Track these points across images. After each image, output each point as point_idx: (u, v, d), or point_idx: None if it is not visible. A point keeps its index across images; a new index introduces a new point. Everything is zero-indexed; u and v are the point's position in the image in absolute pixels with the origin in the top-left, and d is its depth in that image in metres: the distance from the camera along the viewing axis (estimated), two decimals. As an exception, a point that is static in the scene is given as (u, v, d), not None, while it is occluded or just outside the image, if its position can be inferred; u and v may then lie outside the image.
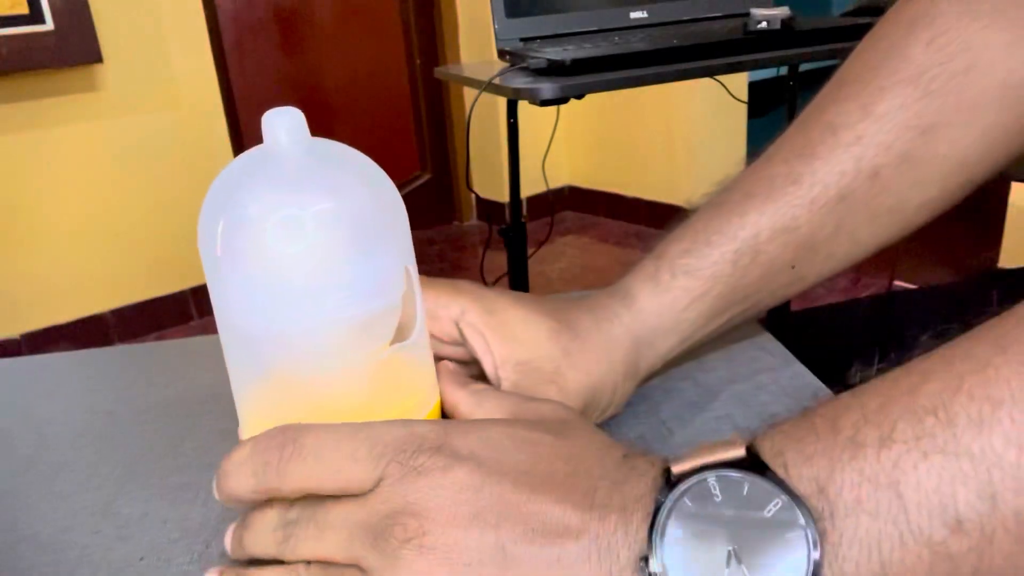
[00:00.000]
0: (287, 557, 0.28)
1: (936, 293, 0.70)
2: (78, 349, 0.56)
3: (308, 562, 0.27)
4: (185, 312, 2.53)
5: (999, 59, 0.39)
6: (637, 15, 1.41)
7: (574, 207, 3.29)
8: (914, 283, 2.03)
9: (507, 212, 1.43)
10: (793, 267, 0.40)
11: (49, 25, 2.10)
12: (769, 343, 0.46)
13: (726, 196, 0.40)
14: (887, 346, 0.64)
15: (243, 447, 0.28)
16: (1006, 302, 0.26)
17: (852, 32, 1.29)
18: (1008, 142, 0.41)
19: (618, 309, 0.39)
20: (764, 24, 1.25)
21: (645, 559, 0.23)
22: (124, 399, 0.48)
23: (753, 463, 0.24)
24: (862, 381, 0.26)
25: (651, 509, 0.24)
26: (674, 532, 0.23)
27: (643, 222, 3.03)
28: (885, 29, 0.43)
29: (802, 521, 0.22)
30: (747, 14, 1.31)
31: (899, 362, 0.25)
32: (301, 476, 0.27)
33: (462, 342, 0.37)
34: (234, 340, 0.30)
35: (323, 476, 0.27)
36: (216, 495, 0.29)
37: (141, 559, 0.34)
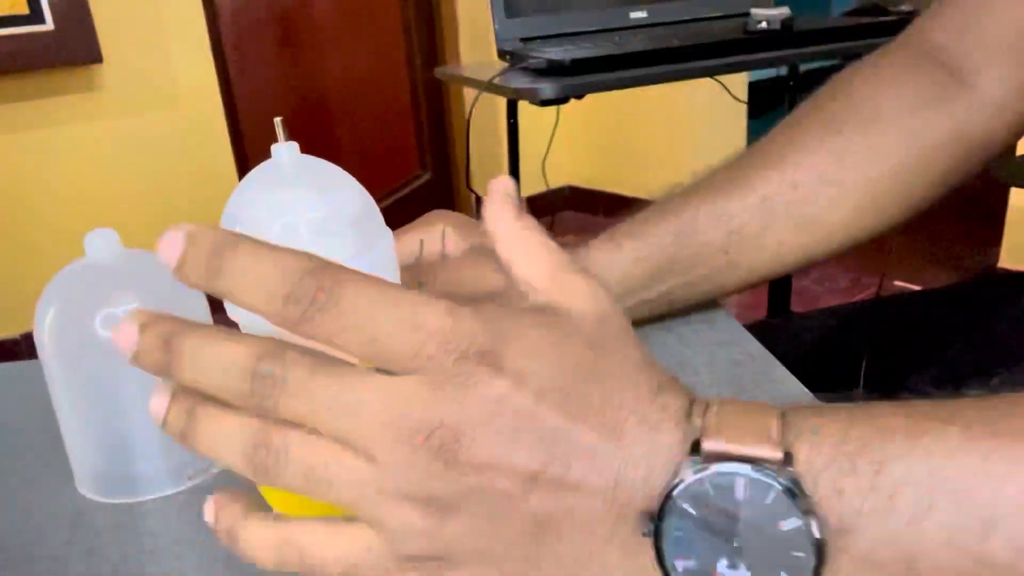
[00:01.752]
0: (258, 411, 0.24)
1: (935, 296, 0.69)
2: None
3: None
4: (185, 312, 2.52)
5: (903, 116, 0.49)
6: (637, 15, 1.40)
7: (574, 207, 3.28)
8: (914, 284, 2.02)
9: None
10: (726, 252, 0.48)
11: (49, 25, 2.10)
12: (753, 347, 0.46)
13: (676, 192, 0.50)
14: (882, 351, 0.63)
15: (264, 264, 0.23)
16: (1006, 305, 0.25)
17: (852, 32, 1.28)
18: (921, 187, 0.49)
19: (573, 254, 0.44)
20: (764, 24, 1.25)
21: (648, 514, 0.23)
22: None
23: (785, 472, 0.23)
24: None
25: (672, 474, 0.23)
26: (686, 508, 0.23)
27: (644, 222, 3.02)
28: (811, 99, 0.52)
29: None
30: (747, 14, 1.31)
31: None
32: (329, 330, 0.23)
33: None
34: None
35: (355, 339, 0.23)
36: (226, 302, 0.26)
37: (113, 572, 0.33)
